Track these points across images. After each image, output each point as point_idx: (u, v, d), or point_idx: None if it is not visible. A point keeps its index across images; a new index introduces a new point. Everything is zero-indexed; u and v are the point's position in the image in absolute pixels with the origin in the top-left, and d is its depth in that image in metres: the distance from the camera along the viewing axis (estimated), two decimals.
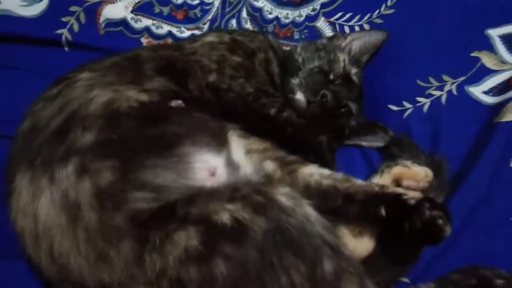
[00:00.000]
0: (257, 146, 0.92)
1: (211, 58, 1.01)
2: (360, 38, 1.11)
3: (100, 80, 0.89)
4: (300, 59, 1.07)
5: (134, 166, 0.78)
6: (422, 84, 1.12)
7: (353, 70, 1.08)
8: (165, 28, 1.22)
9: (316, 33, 1.23)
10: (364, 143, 1.11)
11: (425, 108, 1.12)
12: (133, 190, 0.76)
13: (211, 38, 1.07)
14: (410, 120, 1.11)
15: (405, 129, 1.10)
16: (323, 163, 0.93)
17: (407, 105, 1.13)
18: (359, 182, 0.89)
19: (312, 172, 0.89)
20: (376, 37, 1.10)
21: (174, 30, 1.23)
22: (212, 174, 0.83)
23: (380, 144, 1.09)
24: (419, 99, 1.12)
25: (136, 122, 0.83)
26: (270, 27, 1.24)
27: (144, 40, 1.22)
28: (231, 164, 0.87)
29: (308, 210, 0.75)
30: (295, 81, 1.04)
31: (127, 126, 0.82)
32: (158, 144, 0.82)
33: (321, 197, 0.85)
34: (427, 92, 1.12)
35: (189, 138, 0.84)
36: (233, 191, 0.74)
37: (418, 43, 1.15)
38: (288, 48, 1.19)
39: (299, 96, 1.02)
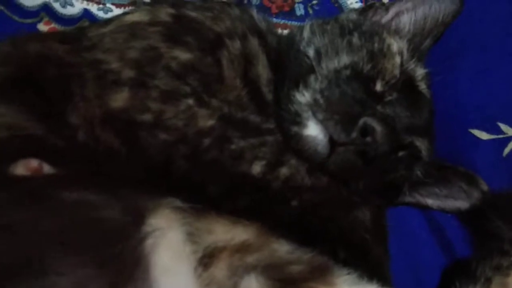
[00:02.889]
0: (227, 238, 0.55)
1: (125, 55, 0.64)
2: (413, 10, 0.81)
3: None
4: (311, 52, 0.70)
5: None
6: None
7: (419, 71, 0.74)
8: (77, 4, 0.95)
9: (331, 6, 0.98)
10: (430, 203, 0.79)
11: None
12: None
13: (135, 16, 0.70)
14: None
15: (508, 176, 0.81)
16: (367, 267, 0.59)
17: (508, 130, 0.84)
18: None
19: None
20: (442, 7, 0.81)
21: (94, 8, 0.95)
22: None
23: (462, 205, 0.78)
24: None
25: None
26: None
27: (44, 27, 0.95)
28: None
29: None
30: (302, 97, 0.67)
31: None
32: None
33: None
34: None
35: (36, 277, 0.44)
36: None
37: None
38: (286, 32, 0.91)
39: (314, 131, 0.65)
